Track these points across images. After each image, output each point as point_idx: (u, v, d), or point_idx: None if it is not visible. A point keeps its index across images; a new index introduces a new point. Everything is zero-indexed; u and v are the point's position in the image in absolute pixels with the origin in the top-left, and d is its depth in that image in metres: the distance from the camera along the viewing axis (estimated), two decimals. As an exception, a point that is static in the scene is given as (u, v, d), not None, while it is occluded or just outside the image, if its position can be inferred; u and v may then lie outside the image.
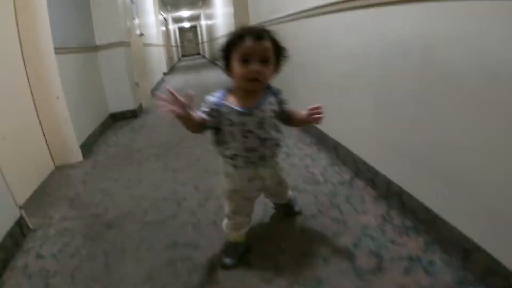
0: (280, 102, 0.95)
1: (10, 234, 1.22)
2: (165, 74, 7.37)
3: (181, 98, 0.80)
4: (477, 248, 0.88)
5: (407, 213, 1.19)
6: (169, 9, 12.26)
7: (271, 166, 1.00)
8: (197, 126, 0.88)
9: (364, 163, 1.45)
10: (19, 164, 1.65)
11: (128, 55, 3.23)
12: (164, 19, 10.42)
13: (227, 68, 0.89)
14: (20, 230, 1.30)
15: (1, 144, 1.53)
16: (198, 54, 19.94)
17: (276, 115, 0.94)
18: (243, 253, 1.07)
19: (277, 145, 0.97)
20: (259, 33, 0.83)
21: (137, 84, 3.42)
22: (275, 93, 0.94)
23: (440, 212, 1.03)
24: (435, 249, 1.01)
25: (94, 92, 2.83)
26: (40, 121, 2.02)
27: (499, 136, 0.78)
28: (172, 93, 0.79)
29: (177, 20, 17.58)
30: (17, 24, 1.87)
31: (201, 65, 10.51)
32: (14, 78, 1.83)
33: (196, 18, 17.49)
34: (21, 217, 1.33)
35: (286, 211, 1.26)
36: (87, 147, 2.30)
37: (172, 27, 15.13)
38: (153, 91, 4.78)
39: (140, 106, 3.52)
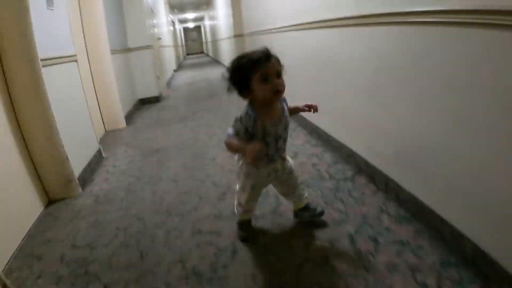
0: (286, 105, 1.11)
1: (95, 156, 2.21)
2: (174, 70, 8.41)
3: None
4: (365, 162, 1.79)
5: (333, 151, 2.20)
6: (176, 12, 13.28)
7: (282, 158, 1.15)
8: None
9: (303, 118, 2.47)
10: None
11: (152, 55, 4.26)
12: (172, 21, 11.44)
13: (244, 92, 1.00)
14: (99, 156, 2.31)
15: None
16: (202, 52, 21.01)
17: None
18: (252, 228, 1.31)
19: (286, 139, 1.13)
20: (267, 54, 0.96)
21: (158, 77, 4.45)
22: (284, 100, 1.10)
23: (344, 141, 2.03)
24: (343, 163, 2.02)
25: (129, 81, 3.87)
26: (97, 98, 3.05)
27: (369, 96, 1.79)
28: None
29: (182, 20, 18.60)
30: (83, 33, 2.89)
31: (205, 63, 11.56)
32: (82, 71, 2.87)
33: (200, 19, 18.50)
34: (99, 149, 2.34)
35: (308, 215, 1.29)
36: (127, 119, 3.33)
37: (178, 27, 16.16)
38: (168, 83, 5.82)
39: (161, 93, 4.56)
